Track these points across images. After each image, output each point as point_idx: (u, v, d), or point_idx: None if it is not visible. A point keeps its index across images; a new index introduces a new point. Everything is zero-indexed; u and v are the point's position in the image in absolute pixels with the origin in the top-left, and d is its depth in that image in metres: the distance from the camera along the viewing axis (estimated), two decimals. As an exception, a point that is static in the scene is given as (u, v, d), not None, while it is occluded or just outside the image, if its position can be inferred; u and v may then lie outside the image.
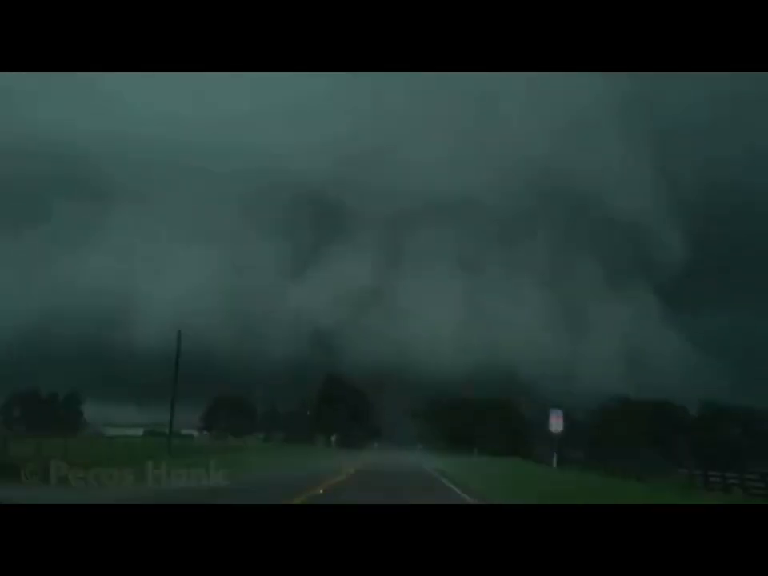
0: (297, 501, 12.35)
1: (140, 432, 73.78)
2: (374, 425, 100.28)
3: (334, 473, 23.66)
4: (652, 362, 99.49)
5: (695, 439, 70.21)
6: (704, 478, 26.76)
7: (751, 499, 19.24)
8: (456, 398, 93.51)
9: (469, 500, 15.62)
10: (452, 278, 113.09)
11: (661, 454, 62.41)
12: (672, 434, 71.97)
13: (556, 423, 49.95)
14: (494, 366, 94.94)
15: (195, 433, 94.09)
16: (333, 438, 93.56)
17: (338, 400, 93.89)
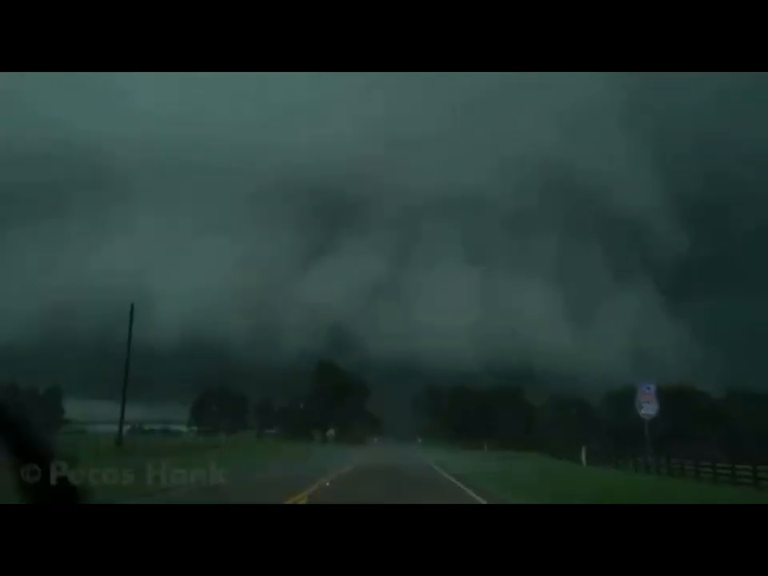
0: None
1: (126, 429, 74.75)
2: (374, 418, 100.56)
3: (298, 484, 17.93)
4: (659, 350, 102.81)
5: (722, 428, 69.30)
6: (731, 472, 25.72)
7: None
8: (462, 386, 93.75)
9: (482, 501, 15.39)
10: (461, 272, 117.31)
11: (685, 446, 60.10)
12: (696, 422, 71.16)
13: (647, 404, 34.78)
14: (502, 356, 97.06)
15: (184, 429, 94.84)
16: (329, 433, 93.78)
17: (334, 392, 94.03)
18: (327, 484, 19.60)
